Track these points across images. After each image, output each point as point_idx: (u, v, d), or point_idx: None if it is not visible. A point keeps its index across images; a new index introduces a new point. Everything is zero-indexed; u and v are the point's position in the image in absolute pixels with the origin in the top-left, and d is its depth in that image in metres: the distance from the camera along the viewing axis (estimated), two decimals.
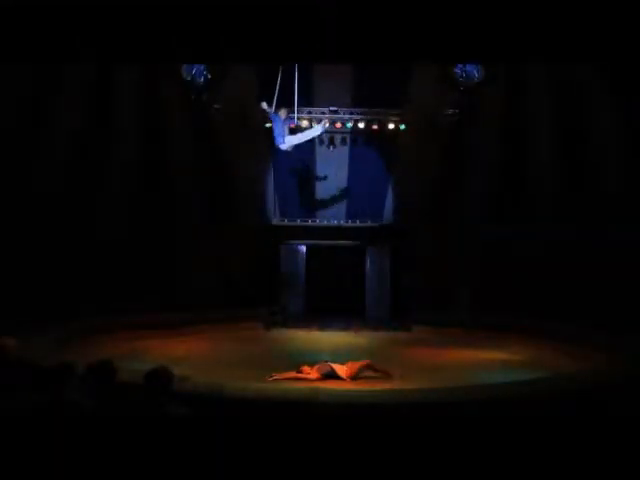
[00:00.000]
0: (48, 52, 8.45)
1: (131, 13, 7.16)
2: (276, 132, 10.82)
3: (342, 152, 14.86)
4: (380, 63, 12.13)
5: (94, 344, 9.75)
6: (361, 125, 14.30)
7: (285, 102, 10.78)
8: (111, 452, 4.10)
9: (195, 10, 8.50)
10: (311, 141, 14.41)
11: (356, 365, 8.76)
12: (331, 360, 9.03)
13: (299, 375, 8.61)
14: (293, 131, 11.57)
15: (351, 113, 14.35)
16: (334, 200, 15.18)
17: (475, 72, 13.59)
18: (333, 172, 15.01)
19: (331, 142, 14.59)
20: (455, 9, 6.32)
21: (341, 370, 8.74)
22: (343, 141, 14.75)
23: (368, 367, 8.81)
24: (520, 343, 11.12)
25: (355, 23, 6.85)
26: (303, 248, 15.05)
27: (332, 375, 8.65)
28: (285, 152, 14.20)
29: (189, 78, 13.66)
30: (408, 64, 13.32)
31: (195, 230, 13.83)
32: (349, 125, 14.31)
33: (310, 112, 13.92)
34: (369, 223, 15.07)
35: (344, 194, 15.14)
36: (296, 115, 11.46)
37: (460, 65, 13.46)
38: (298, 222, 15.01)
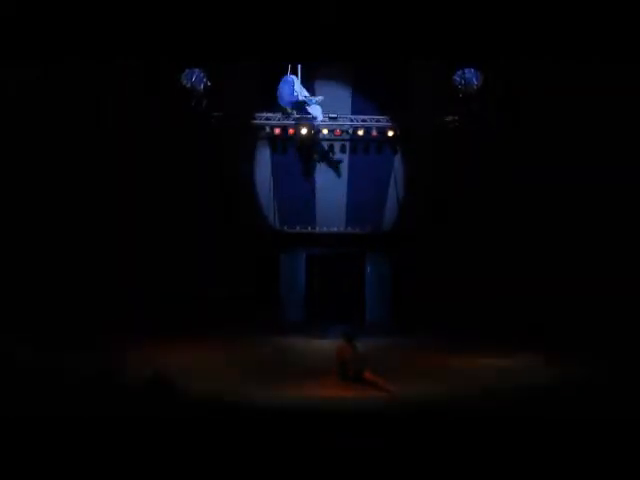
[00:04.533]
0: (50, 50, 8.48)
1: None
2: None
3: (341, 159, 14.85)
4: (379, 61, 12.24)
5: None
6: (360, 132, 14.29)
7: None
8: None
9: (196, 10, 8.52)
10: (310, 148, 14.54)
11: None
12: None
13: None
14: None
15: (351, 120, 14.35)
16: (334, 207, 15.13)
17: (474, 79, 13.54)
18: (333, 179, 14.99)
19: (330, 149, 14.58)
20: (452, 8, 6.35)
21: None
22: (342, 148, 14.73)
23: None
24: (519, 348, 11.09)
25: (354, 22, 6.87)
26: (303, 255, 15.01)
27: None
28: (285, 160, 14.41)
29: (189, 85, 13.64)
30: (407, 70, 13.43)
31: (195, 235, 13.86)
32: (349, 132, 14.34)
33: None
34: (369, 230, 15.02)
35: (343, 201, 15.10)
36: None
37: (459, 72, 13.43)
38: (298, 229, 14.97)
